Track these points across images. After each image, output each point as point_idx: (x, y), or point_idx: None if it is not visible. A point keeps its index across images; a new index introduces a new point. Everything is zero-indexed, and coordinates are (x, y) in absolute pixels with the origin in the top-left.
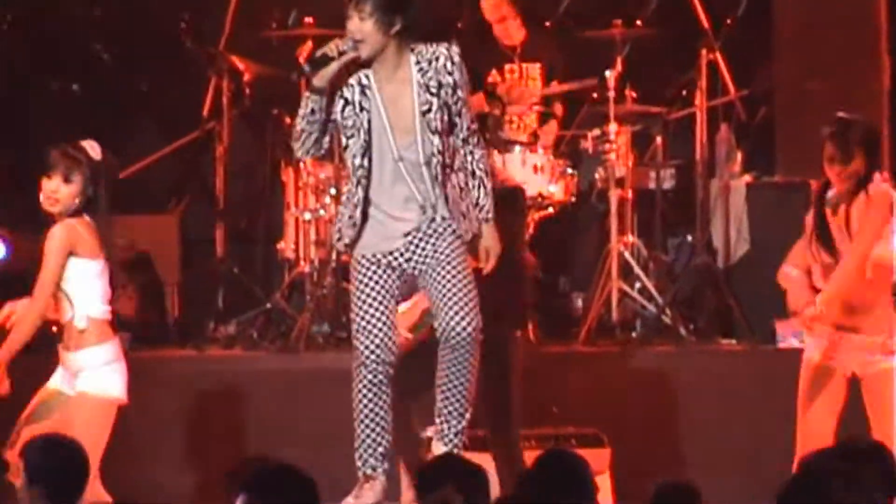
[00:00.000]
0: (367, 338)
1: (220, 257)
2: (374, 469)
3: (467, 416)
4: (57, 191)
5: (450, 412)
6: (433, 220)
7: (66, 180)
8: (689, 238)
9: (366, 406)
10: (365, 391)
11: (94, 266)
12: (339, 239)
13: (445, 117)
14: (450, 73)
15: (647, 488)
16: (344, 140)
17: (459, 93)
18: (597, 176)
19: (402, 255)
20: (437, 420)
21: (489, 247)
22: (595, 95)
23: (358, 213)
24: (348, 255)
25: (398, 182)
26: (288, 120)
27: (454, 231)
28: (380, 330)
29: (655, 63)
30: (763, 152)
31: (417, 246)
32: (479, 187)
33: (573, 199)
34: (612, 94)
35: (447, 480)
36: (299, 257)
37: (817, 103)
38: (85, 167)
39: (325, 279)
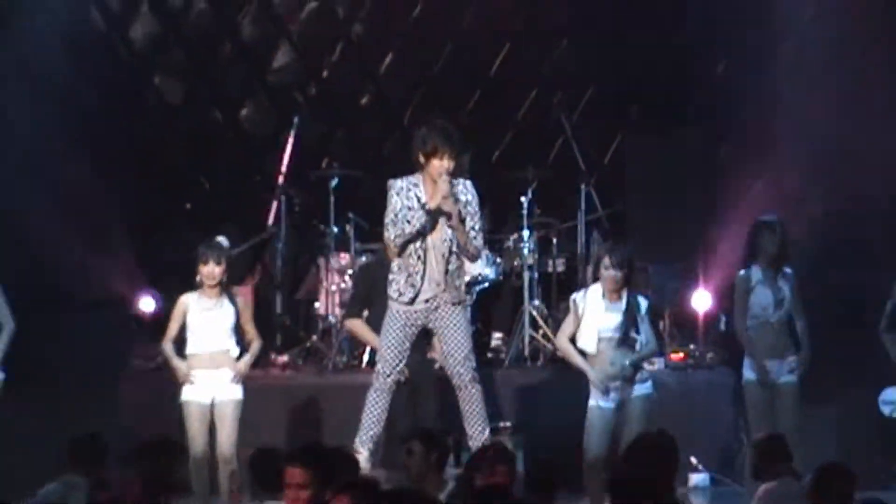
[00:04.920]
0: (384, 360)
1: (279, 313)
2: (362, 444)
3: (487, 423)
4: (213, 271)
5: (476, 423)
6: (444, 291)
7: (218, 263)
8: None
9: (371, 403)
10: (374, 394)
11: None
12: (399, 296)
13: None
14: (465, 194)
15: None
16: (419, 228)
17: (469, 208)
18: (515, 263)
19: (422, 314)
20: (469, 428)
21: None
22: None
23: (418, 279)
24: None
25: (427, 264)
26: (322, 227)
27: (454, 295)
28: (394, 358)
29: (553, 192)
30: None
31: (433, 310)
32: (473, 250)
33: (500, 277)
34: (525, 212)
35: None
36: (328, 313)
37: (654, 219)
38: (225, 252)
39: (344, 328)
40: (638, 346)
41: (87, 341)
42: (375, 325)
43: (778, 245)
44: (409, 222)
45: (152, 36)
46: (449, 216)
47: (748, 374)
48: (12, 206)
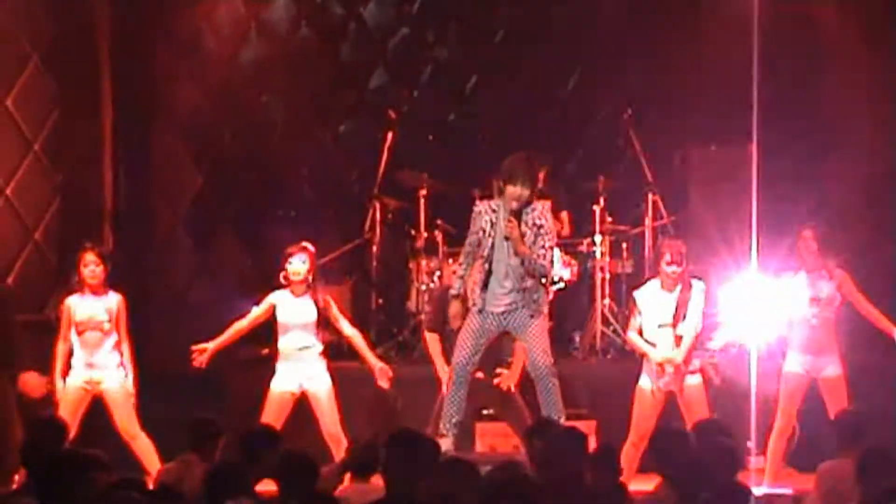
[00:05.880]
0: (461, 353)
1: (374, 310)
2: (447, 430)
3: (563, 411)
4: (299, 269)
5: (553, 411)
6: (521, 300)
7: (303, 262)
8: None
9: (451, 392)
10: (453, 385)
11: None
12: (472, 304)
13: (531, 242)
14: (539, 219)
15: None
16: (486, 251)
17: (541, 231)
18: (589, 265)
19: (502, 314)
20: (546, 415)
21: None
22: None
23: (484, 294)
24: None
25: (507, 277)
26: (413, 232)
27: (531, 308)
28: (469, 351)
29: (623, 201)
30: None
31: (512, 312)
32: (540, 269)
33: (575, 278)
34: (598, 218)
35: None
36: (419, 311)
37: (711, 225)
38: (308, 251)
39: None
40: (682, 332)
41: (201, 337)
42: (449, 343)
43: (815, 251)
44: (478, 246)
45: (260, 58)
46: (512, 239)
47: (786, 365)
48: (139, 211)
